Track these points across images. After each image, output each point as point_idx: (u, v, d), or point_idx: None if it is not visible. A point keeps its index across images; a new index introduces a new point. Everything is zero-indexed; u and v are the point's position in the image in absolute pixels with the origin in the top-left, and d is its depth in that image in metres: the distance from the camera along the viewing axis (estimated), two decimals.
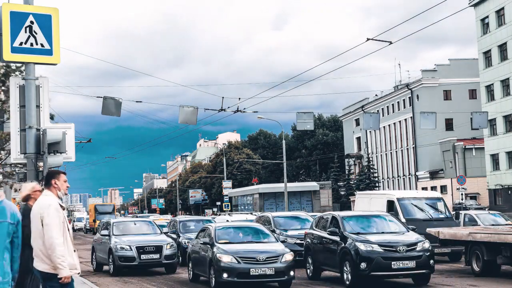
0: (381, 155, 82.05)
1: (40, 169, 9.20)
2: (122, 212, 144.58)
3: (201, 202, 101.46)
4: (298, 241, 18.65)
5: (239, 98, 27.35)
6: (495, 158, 57.67)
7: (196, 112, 22.19)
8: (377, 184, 76.99)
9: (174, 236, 21.25)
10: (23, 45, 9.20)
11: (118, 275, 17.96)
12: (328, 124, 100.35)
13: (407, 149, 75.64)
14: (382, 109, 79.12)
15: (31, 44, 9.25)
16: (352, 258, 13.46)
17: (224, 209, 64.63)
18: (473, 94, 68.62)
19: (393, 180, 79.58)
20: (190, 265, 16.02)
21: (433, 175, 69.80)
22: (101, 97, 20.11)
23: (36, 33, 9.28)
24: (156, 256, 17.96)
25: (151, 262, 18.09)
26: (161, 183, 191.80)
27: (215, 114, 26.88)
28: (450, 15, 18.09)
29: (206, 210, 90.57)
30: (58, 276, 6.13)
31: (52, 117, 17.94)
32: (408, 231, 14.51)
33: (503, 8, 54.49)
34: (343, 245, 13.94)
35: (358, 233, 14.13)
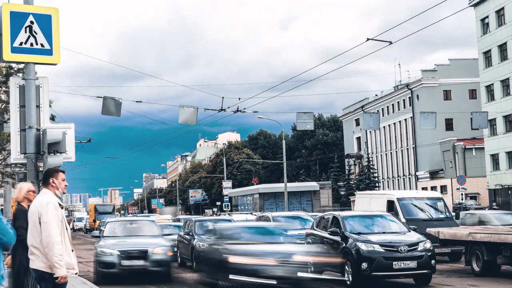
0: (381, 155, 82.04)
1: (40, 169, 9.20)
2: (122, 212, 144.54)
3: (201, 202, 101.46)
4: (299, 241, 18.66)
5: (239, 98, 27.38)
6: (495, 158, 57.67)
7: (196, 112, 22.21)
8: (377, 184, 76.97)
9: (188, 237, 19.35)
10: (23, 45, 9.20)
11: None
12: (328, 124, 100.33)
13: (407, 149, 75.63)
14: (382, 109, 79.12)
15: (31, 44, 9.25)
16: (353, 258, 13.44)
17: (224, 209, 64.64)
18: (473, 94, 68.62)
19: (393, 180, 79.57)
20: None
21: (433, 175, 69.80)
22: (101, 97, 20.13)
23: (36, 33, 9.28)
24: (140, 262, 15.75)
25: (135, 269, 15.87)
26: (161, 183, 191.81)
27: (215, 114, 26.91)
28: (450, 15, 18.12)
29: (206, 210, 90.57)
30: (55, 276, 6.05)
31: (52, 118, 17.96)
32: (409, 231, 14.50)
33: (503, 8, 54.49)
34: (344, 245, 13.93)
35: (359, 233, 14.13)
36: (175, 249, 20.14)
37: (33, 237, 6.18)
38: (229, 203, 65.84)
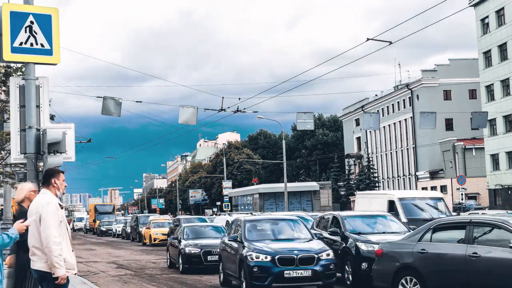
0: (381, 155, 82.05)
1: (40, 169, 9.20)
2: (122, 212, 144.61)
3: (201, 202, 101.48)
4: None
5: (239, 98, 27.38)
6: (495, 158, 57.68)
7: (196, 112, 22.21)
8: (377, 184, 76.98)
9: (236, 245, 13.95)
10: (23, 45, 9.20)
11: None
12: (328, 124, 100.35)
13: (407, 149, 75.64)
14: (382, 109, 79.13)
15: (31, 44, 9.25)
16: (353, 258, 13.44)
17: (224, 209, 64.62)
18: (473, 94, 68.64)
19: (393, 180, 79.58)
20: None
21: (433, 175, 69.81)
22: (101, 97, 20.14)
23: (36, 33, 9.28)
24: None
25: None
26: (161, 183, 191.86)
27: (215, 114, 26.90)
28: (450, 15, 18.10)
29: (206, 210, 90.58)
30: (54, 276, 6.05)
31: (52, 117, 17.95)
32: (410, 231, 14.47)
33: (503, 8, 54.50)
34: (344, 245, 13.92)
35: (359, 233, 14.10)
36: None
37: (34, 237, 6.18)
38: (229, 203, 65.83)
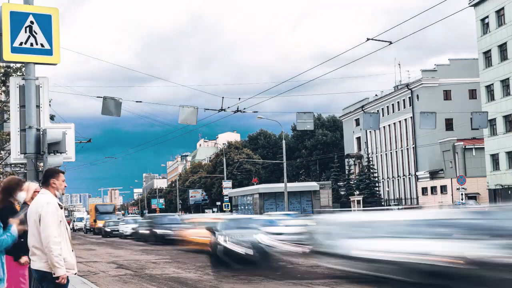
0: (381, 155, 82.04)
1: (40, 169, 9.21)
2: (122, 212, 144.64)
3: (201, 202, 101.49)
4: None
5: (239, 98, 27.39)
6: (495, 158, 57.68)
7: (196, 112, 22.23)
8: (377, 184, 77.02)
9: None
10: (23, 45, 9.21)
11: None
12: (328, 124, 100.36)
13: (407, 149, 75.64)
14: (382, 109, 79.13)
15: (31, 44, 9.25)
16: None
17: (224, 209, 64.64)
18: (473, 94, 68.64)
19: (393, 180, 79.58)
20: None
21: (433, 175, 69.81)
22: (101, 97, 20.15)
23: (36, 33, 9.29)
24: None
25: None
26: (161, 183, 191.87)
27: (215, 114, 26.91)
28: (450, 15, 18.12)
29: (206, 210, 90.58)
30: (55, 275, 6.05)
31: (52, 117, 17.97)
32: None
33: (503, 8, 54.51)
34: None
35: None
36: None
37: (34, 237, 6.18)
38: (229, 203, 65.86)
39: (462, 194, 42.90)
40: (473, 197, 58.74)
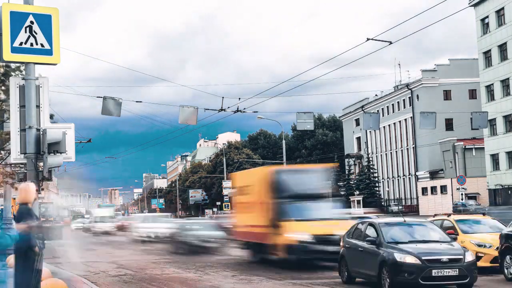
0: (381, 155, 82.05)
1: (40, 169, 9.21)
2: (122, 212, 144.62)
3: (201, 202, 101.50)
4: None
5: (239, 98, 27.37)
6: (495, 158, 57.69)
7: (196, 112, 22.22)
8: (377, 184, 77.04)
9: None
10: (23, 45, 9.21)
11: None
12: (328, 124, 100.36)
13: (407, 149, 75.64)
14: (382, 109, 79.15)
15: (31, 44, 9.25)
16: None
17: (224, 209, 64.66)
18: (473, 94, 68.66)
19: (393, 180, 79.58)
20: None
21: (433, 175, 69.82)
22: (101, 97, 20.15)
23: (36, 33, 9.29)
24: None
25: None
26: (161, 183, 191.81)
27: (215, 114, 26.90)
28: (450, 15, 18.12)
29: (206, 210, 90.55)
30: None
31: (51, 117, 17.98)
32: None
33: (503, 8, 54.52)
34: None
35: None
36: None
37: None
38: (229, 203, 65.83)
39: (462, 194, 42.93)
40: (473, 197, 58.74)
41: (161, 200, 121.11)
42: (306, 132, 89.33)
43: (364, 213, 35.82)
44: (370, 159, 79.42)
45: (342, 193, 75.58)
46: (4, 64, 17.42)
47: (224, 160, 77.88)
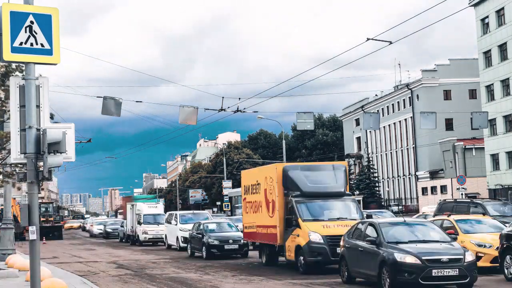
0: (381, 155, 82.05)
1: (40, 169, 9.20)
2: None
3: (201, 202, 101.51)
4: None
5: (239, 98, 27.35)
6: (495, 158, 57.69)
7: (196, 112, 22.21)
8: (377, 184, 77.04)
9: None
10: (23, 45, 9.20)
11: None
12: (328, 124, 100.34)
13: (407, 149, 75.65)
14: (382, 109, 79.13)
15: (31, 44, 9.24)
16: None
17: (224, 209, 64.63)
18: (473, 94, 68.64)
19: (393, 180, 79.58)
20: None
21: (433, 175, 69.82)
22: (101, 97, 20.14)
23: (36, 33, 9.28)
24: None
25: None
26: (161, 183, 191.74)
27: (215, 114, 26.88)
28: (450, 15, 18.10)
29: (206, 210, 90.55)
30: None
31: (51, 117, 17.97)
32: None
33: (503, 8, 54.51)
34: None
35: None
36: None
37: None
38: (229, 203, 65.84)
39: (462, 194, 42.89)
40: (473, 197, 58.70)
41: (161, 200, 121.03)
42: (306, 132, 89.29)
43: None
44: (370, 159, 79.42)
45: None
46: (5, 64, 17.43)
47: (224, 160, 77.85)
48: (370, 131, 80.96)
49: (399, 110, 75.87)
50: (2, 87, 17.28)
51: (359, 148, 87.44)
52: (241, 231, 24.05)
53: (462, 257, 13.08)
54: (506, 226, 16.57)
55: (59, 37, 9.52)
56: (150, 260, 24.07)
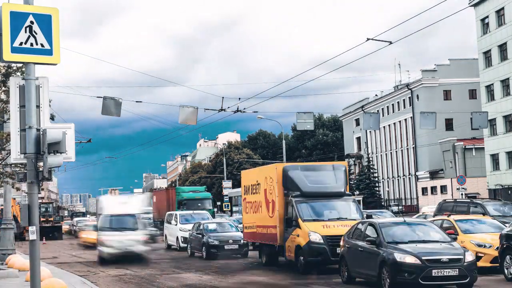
0: (381, 155, 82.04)
1: (40, 169, 9.21)
2: None
3: None
4: None
5: (239, 98, 27.36)
6: (495, 158, 57.68)
7: (196, 112, 22.20)
8: (377, 184, 77.03)
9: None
10: (23, 45, 9.20)
11: None
12: (328, 124, 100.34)
13: (407, 149, 75.64)
14: (382, 109, 79.12)
15: (31, 44, 9.25)
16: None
17: (224, 209, 64.63)
18: (473, 94, 68.62)
19: (393, 180, 79.57)
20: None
21: (433, 175, 69.81)
22: (101, 97, 20.14)
23: (36, 33, 9.28)
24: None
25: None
26: (161, 183, 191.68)
27: (215, 114, 26.89)
28: (450, 15, 18.10)
29: (205, 210, 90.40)
30: None
31: (52, 117, 17.99)
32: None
33: (503, 8, 54.50)
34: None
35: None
36: None
37: None
38: (229, 203, 65.84)
39: (462, 194, 42.89)
40: (473, 197, 58.71)
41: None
42: (306, 132, 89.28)
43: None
44: (370, 159, 79.41)
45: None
46: (5, 64, 17.43)
47: (224, 160, 77.85)
48: (370, 131, 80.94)
49: (399, 110, 75.86)
50: (3, 88, 17.29)
51: (359, 148, 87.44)
52: (241, 231, 24.01)
53: (462, 257, 13.09)
54: (506, 226, 16.58)
55: (59, 37, 9.52)
56: (150, 260, 24.05)
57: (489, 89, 57.35)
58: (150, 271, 19.51)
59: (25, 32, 9.25)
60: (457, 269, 12.90)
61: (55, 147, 9.19)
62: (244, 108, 27.65)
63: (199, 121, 22.77)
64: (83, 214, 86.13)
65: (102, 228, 24.21)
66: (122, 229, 23.91)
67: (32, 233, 8.79)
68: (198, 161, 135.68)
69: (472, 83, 66.79)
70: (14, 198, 39.00)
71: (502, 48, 54.94)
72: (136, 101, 24.73)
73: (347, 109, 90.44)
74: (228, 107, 26.87)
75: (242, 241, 23.65)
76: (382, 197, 78.68)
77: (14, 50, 9.17)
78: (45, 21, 9.40)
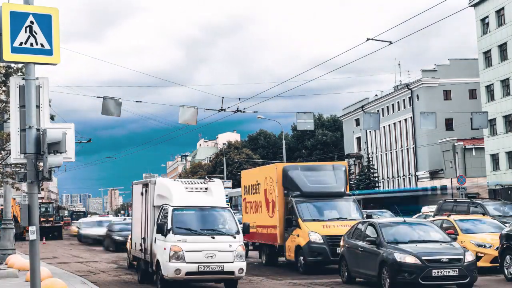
0: (381, 155, 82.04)
1: (40, 169, 9.21)
2: (122, 212, 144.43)
3: None
4: None
5: (239, 98, 27.34)
6: (495, 158, 57.68)
7: (196, 112, 22.20)
8: (377, 184, 77.02)
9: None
10: (23, 45, 9.21)
11: None
12: (328, 124, 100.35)
13: (407, 149, 75.63)
14: (382, 109, 79.11)
15: (31, 44, 9.25)
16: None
17: None
18: (473, 94, 68.60)
19: (393, 180, 79.59)
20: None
21: (433, 175, 69.79)
22: (101, 97, 20.13)
23: (36, 33, 9.29)
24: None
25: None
26: None
27: (215, 114, 26.87)
28: (450, 15, 18.10)
29: None
30: None
31: (52, 117, 18.00)
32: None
33: (503, 8, 54.50)
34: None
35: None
36: None
37: None
38: (229, 203, 65.85)
39: (462, 194, 42.90)
40: (472, 197, 58.67)
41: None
42: (306, 132, 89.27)
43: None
44: (370, 159, 79.39)
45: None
46: (6, 65, 17.43)
47: (224, 160, 77.86)
48: (370, 131, 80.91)
49: (399, 110, 75.85)
50: (3, 88, 17.28)
51: (359, 148, 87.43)
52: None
53: (462, 257, 13.09)
54: (506, 226, 16.58)
55: (59, 37, 9.52)
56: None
57: (489, 89, 57.36)
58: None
59: (25, 32, 9.25)
60: (457, 269, 12.91)
61: (55, 147, 9.19)
62: (244, 108, 27.64)
63: (199, 121, 22.79)
64: (84, 214, 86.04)
65: (176, 230, 14.11)
66: (209, 232, 14.23)
67: (32, 233, 8.79)
68: (198, 161, 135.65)
69: (472, 83, 66.77)
70: (14, 198, 38.98)
71: (502, 48, 54.95)
72: (136, 101, 24.76)
73: (347, 109, 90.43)
74: (228, 107, 26.87)
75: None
76: None
77: (14, 50, 9.18)
78: (45, 21, 9.41)
